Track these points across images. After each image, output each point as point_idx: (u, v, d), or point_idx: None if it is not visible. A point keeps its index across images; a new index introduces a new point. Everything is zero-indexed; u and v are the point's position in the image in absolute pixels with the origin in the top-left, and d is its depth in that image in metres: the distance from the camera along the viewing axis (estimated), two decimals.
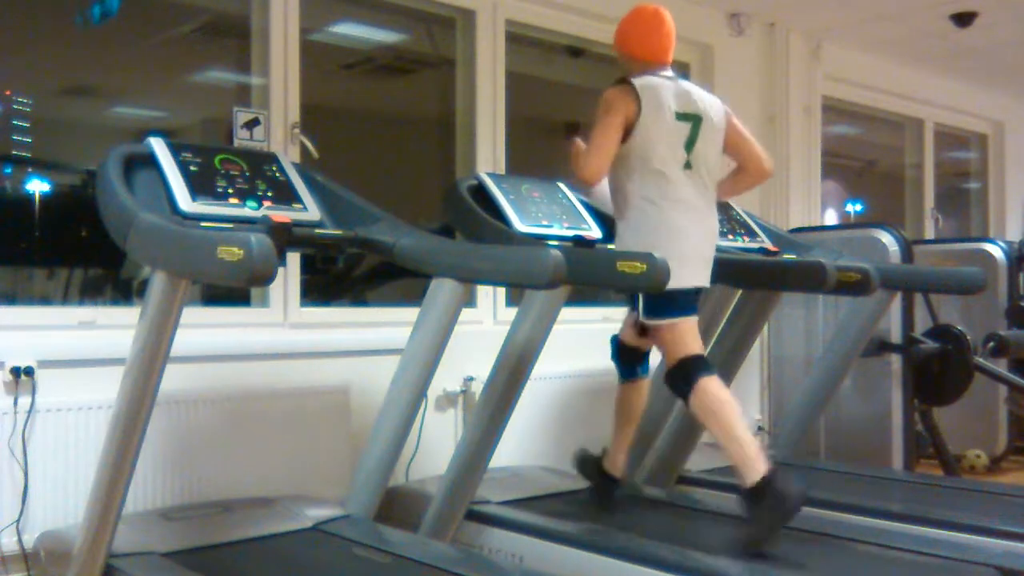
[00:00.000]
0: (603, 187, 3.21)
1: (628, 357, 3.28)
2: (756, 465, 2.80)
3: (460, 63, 4.31)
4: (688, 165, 3.05)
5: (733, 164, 3.30)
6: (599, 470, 3.40)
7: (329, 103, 4.16)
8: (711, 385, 2.97)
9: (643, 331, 3.17)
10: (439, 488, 3.09)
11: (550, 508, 3.30)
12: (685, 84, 3.12)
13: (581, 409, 4.17)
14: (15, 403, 2.88)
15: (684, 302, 3.07)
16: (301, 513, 2.98)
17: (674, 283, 2.92)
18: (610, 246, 3.28)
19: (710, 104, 3.13)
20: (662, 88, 3.03)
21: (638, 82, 3.02)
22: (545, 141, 5.24)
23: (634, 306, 3.13)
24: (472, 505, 3.15)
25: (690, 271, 3.03)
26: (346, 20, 4.30)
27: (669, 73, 3.11)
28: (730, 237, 3.71)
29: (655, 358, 3.32)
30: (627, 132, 2.99)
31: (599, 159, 2.97)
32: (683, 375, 3.02)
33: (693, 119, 3.06)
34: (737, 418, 2.92)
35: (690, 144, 3.05)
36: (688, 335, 3.08)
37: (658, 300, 3.01)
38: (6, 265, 3.49)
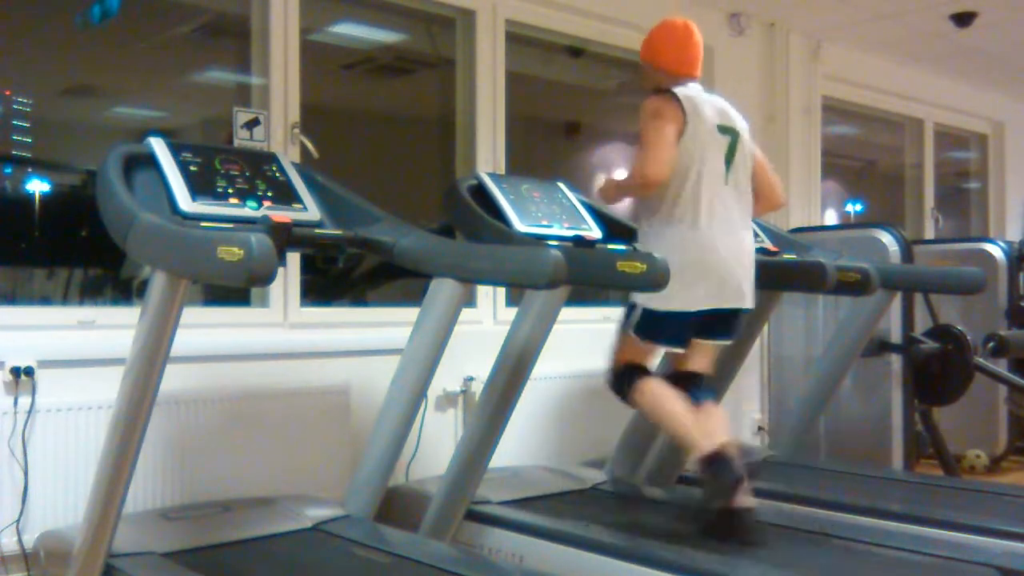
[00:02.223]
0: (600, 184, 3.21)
1: (683, 383, 3.10)
2: (703, 441, 2.87)
3: (460, 63, 4.31)
4: (727, 179, 3.04)
5: None
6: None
7: (329, 103, 4.16)
8: (649, 382, 3.04)
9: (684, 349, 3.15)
10: (439, 488, 3.09)
11: (550, 508, 3.30)
12: (718, 98, 3.13)
13: (581, 409, 4.17)
14: (15, 403, 2.88)
15: (680, 332, 3.07)
16: (301, 513, 2.98)
17: (679, 304, 2.95)
18: (611, 246, 3.28)
19: (742, 121, 3.14)
20: (702, 100, 3.03)
21: (680, 92, 2.99)
22: (545, 141, 5.24)
23: (628, 310, 3.12)
24: (472, 505, 3.15)
25: (713, 291, 3.01)
26: (346, 20, 4.30)
27: (699, 87, 3.10)
28: None
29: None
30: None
31: (662, 157, 2.90)
32: (622, 379, 3.09)
33: (731, 133, 3.07)
34: (678, 403, 2.98)
35: (729, 158, 3.05)
36: (648, 353, 3.12)
37: (656, 320, 3.01)
38: (6, 265, 3.49)
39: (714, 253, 3.00)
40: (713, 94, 3.16)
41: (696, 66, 3.13)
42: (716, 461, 2.82)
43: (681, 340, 3.12)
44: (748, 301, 3.11)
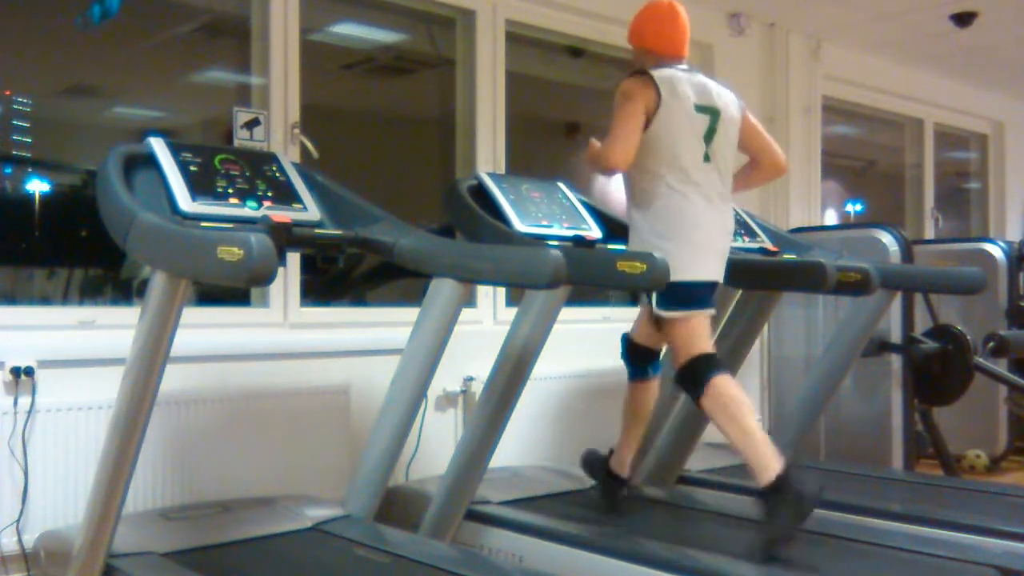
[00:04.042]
0: (601, 184, 3.21)
1: (639, 356, 3.25)
2: (771, 464, 2.77)
3: (460, 63, 4.31)
4: (707, 157, 3.04)
5: (745, 160, 3.30)
6: (605, 470, 3.39)
7: (329, 103, 4.16)
8: (723, 384, 2.92)
9: (658, 326, 3.13)
10: (439, 488, 3.09)
11: (550, 508, 3.30)
12: (701, 77, 3.12)
13: (581, 409, 4.17)
14: (15, 403, 2.88)
15: (700, 295, 3.05)
16: (301, 513, 2.98)
17: (692, 274, 2.95)
18: (611, 246, 3.28)
19: (727, 98, 3.13)
20: (680, 80, 3.03)
21: (656, 73, 3.00)
22: (545, 141, 5.24)
23: (648, 300, 3.11)
24: (472, 505, 3.14)
25: (708, 263, 3.03)
26: (346, 20, 4.30)
27: (685, 66, 3.11)
28: None
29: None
30: (647, 122, 2.97)
31: (626, 145, 2.93)
32: (693, 375, 2.98)
33: (711, 112, 3.06)
34: (750, 416, 2.89)
35: (709, 136, 3.05)
36: (700, 331, 3.06)
37: (674, 292, 2.98)
38: (6, 265, 3.49)
39: (696, 225, 3.00)
40: (698, 73, 3.15)
41: (682, 46, 3.13)
42: (782, 485, 2.75)
43: (708, 301, 3.09)
44: (721, 275, 3.12)
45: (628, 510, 3.34)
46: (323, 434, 3.46)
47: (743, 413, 2.88)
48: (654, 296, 3.06)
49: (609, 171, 3.01)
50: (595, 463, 3.45)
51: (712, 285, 3.10)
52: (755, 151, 3.26)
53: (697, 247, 2.99)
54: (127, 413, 2.36)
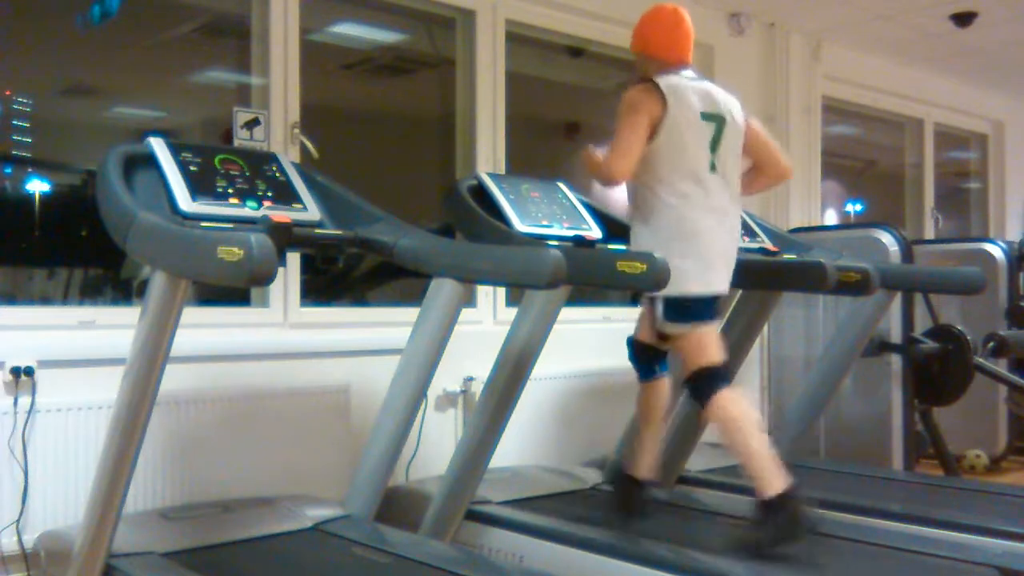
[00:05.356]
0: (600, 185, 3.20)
1: (645, 356, 3.22)
2: (773, 480, 2.78)
3: (460, 63, 4.31)
4: (713, 166, 3.03)
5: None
6: (621, 475, 3.32)
7: (329, 103, 4.16)
8: (727, 400, 2.92)
9: (663, 336, 3.11)
10: (439, 488, 3.09)
11: (550, 508, 3.30)
12: (707, 84, 3.10)
13: (581, 409, 4.17)
14: (15, 403, 2.88)
15: (705, 308, 3.04)
16: (301, 513, 2.98)
17: (696, 289, 2.94)
18: (611, 246, 3.28)
19: (731, 105, 3.11)
20: (686, 88, 3.01)
21: (662, 81, 2.98)
22: (545, 141, 5.24)
23: (650, 303, 3.09)
24: (472, 505, 3.15)
25: (712, 276, 3.01)
26: (346, 20, 4.30)
27: (690, 73, 3.08)
28: None
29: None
30: (652, 132, 2.95)
31: (628, 157, 2.92)
32: (698, 390, 2.99)
33: (717, 120, 3.05)
34: (755, 434, 2.87)
35: (714, 145, 3.03)
36: (707, 342, 3.03)
37: (679, 305, 2.99)
38: (6, 265, 3.49)
39: (701, 237, 2.98)
40: (704, 80, 3.14)
41: (687, 51, 3.11)
42: (779, 505, 2.77)
43: (712, 314, 3.07)
44: (727, 286, 3.10)
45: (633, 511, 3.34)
46: (323, 434, 3.46)
47: (746, 432, 2.87)
48: (660, 308, 3.03)
49: (609, 182, 2.99)
50: (616, 474, 3.36)
51: (716, 297, 3.08)
52: (759, 157, 3.24)
53: (700, 260, 2.96)
54: (127, 413, 2.36)
